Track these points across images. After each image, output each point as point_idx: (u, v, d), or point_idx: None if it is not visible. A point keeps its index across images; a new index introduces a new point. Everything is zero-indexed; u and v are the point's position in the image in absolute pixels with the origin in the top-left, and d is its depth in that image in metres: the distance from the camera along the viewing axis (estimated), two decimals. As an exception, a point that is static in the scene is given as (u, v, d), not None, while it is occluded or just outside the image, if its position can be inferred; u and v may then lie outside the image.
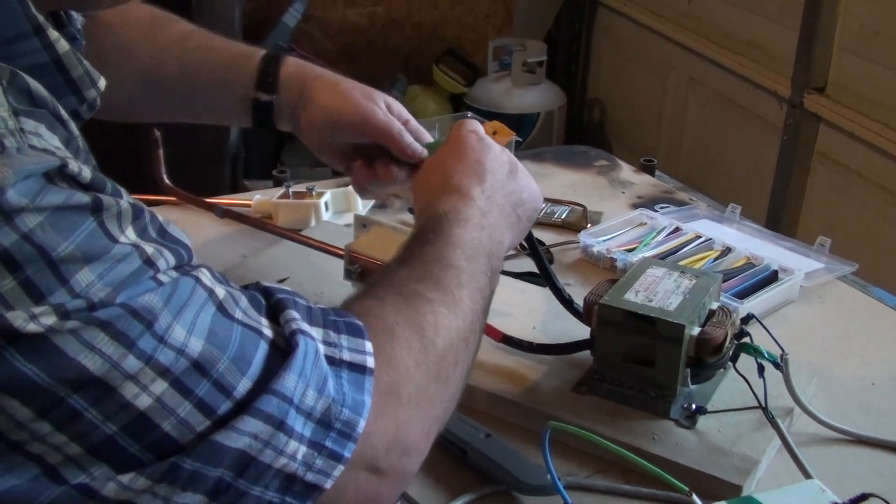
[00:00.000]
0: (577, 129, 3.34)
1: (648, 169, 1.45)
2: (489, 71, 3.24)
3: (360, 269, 0.95)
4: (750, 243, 1.19)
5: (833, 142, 2.29)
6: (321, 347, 0.60)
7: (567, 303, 0.94)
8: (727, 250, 1.16)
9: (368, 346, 0.62)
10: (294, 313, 0.60)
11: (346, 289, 1.00)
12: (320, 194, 1.23)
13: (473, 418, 0.85)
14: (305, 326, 0.60)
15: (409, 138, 0.97)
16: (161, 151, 1.23)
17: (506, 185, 0.86)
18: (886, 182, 2.14)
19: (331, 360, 0.60)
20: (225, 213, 1.22)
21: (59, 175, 0.51)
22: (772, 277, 1.11)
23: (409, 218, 1.25)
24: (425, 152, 0.97)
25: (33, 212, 0.49)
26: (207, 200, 1.25)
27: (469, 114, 1.45)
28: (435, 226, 0.78)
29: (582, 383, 0.90)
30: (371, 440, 0.60)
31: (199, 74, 1.02)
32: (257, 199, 1.26)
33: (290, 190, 1.24)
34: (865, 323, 1.08)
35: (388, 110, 0.99)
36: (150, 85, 1.03)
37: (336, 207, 1.25)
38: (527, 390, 0.90)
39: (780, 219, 2.41)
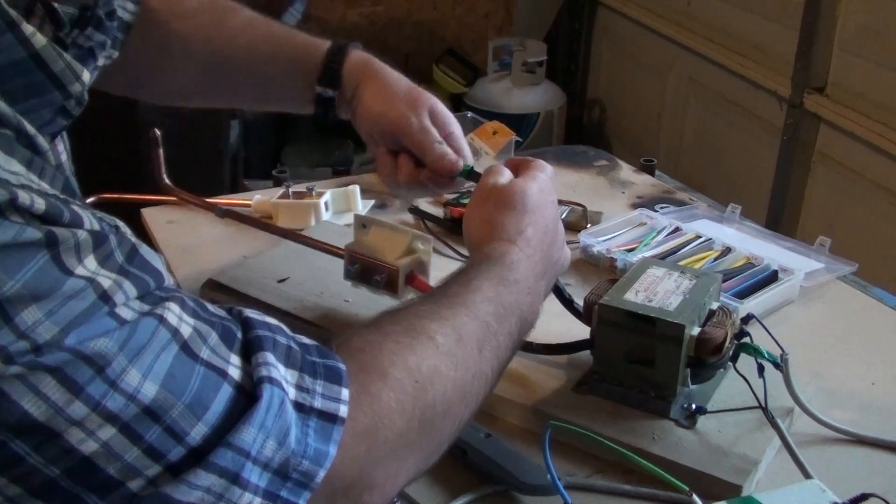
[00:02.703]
0: (577, 129, 3.34)
1: (648, 169, 1.45)
2: (489, 71, 3.24)
3: (360, 269, 0.95)
4: (750, 243, 1.19)
5: (833, 142, 2.29)
6: (291, 393, 0.58)
7: (567, 303, 0.94)
8: (727, 250, 1.16)
9: (345, 393, 0.60)
10: (269, 356, 0.58)
11: (346, 288, 1.00)
12: (320, 194, 1.23)
13: (473, 418, 0.85)
14: (276, 373, 0.57)
15: (442, 150, 0.95)
16: (161, 151, 1.23)
17: (560, 247, 0.87)
18: (886, 182, 2.14)
19: (300, 407, 0.58)
20: (225, 213, 1.22)
21: (10, 208, 0.49)
22: (772, 277, 1.11)
23: (409, 218, 1.25)
24: (460, 163, 0.96)
25: None
26: (207, 200, 1.25)
27: (469, 114, 1.45)
28: (483, 272, 0.77)
29: (582, 383, 0.90)
30: (333, 480, 0.59)
31: (264, 65, 1.02)
32: (257, 199, 1.26)
33: (290, 190, 1.24)
34: (865, 323, 1.08)
35: (434, 118, 0.97)
36: (214, 73, 1.03)
37: (336, 207, 1.25)
38: (527, 390, 0.90)
39: (780, 219, 2.41)
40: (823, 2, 2.24)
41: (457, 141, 0.99)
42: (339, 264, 0.98)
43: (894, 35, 2.10)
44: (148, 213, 1.26)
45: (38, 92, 0.57)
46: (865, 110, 2.17)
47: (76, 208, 0.53)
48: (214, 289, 1.04)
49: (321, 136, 3.00)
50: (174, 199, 1.26)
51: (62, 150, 0.66)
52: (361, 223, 0.98)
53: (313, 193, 1.24)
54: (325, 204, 1.23)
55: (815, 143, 2.35)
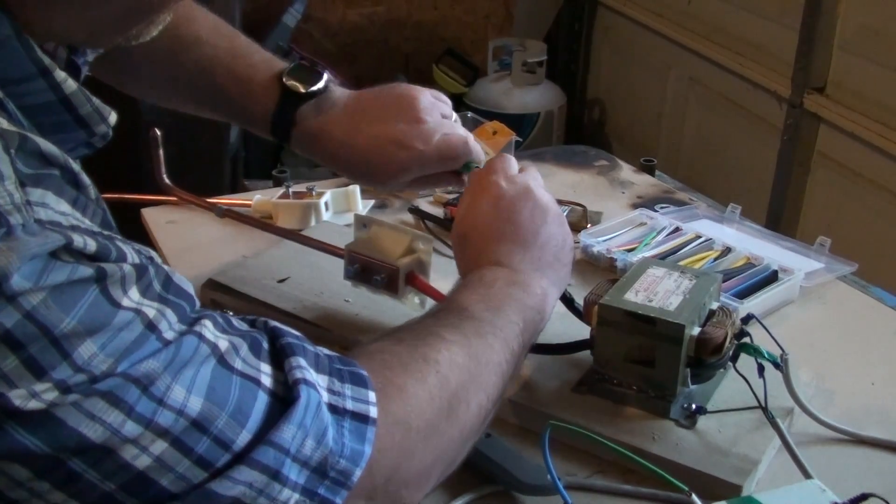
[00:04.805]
0: (577, 129, 3.34)
1: (648, 169, 1.45)
2: (489, 71, 3.24)
3: (360, 269, 0.95)
4: (750, 243, 1.19)
5: (833, 142, 2.29)
6: (325, 396, 0.60)
7: (567, 303, 0.94)
8: (727, 250, 1.16)
9: (372, 395, 0.63)
10: (301, 360, 0.60)
11: (346, 288, 1.00)
12: (320, 194, 1.23)
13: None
14: (310, 375, 0.60)
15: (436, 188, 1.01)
16: (161, 151, 1.23)
17: (538, 229, 0.86)
18: (886, 182, 2.14)
19: (334, 409, 0.60)
20: (225, 213, 1.22)
21: (64, 250, 0.51)
22: (772, 277, 1.11)
23: (409, 218, 1.25)
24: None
25: (37, 291, 0.49)
26: (207, 200, 1.25)
27: (469, 114, 1.45)
28: (460, 289, 0.81)
29: (582, 383, 0.90)
30: (373, 470, 0.61)
31: (221, 115, 1.03)
32: (257, 199, 1.26)
33: (290, 190, 1.24)
34: (865, 323, 1.08)
35: (411, 169, 0.96)
36: (175, 99, 1.04)
37: (336, 207, 1.25)
38: (527, 390, 0.90)
39: (780, 219, 2.41)
40: (823, 2, 2.24)
41: (447, 163, 0.98)
42: (339, 264, 0.98)
43: (894, 35, 2.10)
44: (148, 213, 1.26)
45: (65, 129, 0.59)
46: (865, 110, 2.17)
47: (119, 244, 0.55)
48: (214, 289, 1.04)
49: (321, 136, 3.00)
50: (174, 199, 1.26)
51: None
52: (361, 223, 0.98)
53: (313, 193, 1.24)
54: (325, 204, 1.23)
55: (815, 143, 2.35)
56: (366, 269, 0.94)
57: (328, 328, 0.98)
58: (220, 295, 1.04)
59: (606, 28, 3.28)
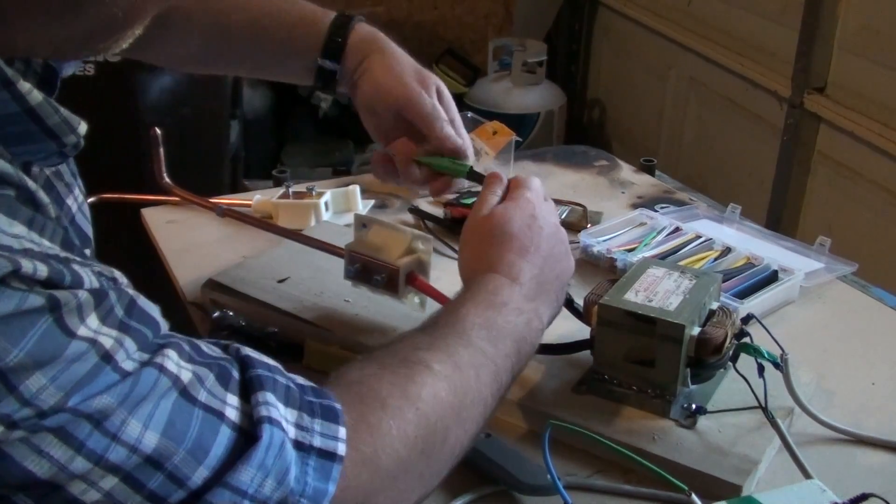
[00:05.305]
0: (577, 129, 3.34)
1: (648, 169, 1.45)
2: (489, 71, 3.24)
3: (360, 269, 0.95)
4: (750, 243, 1.19)
5: (833, 142, 2.29)
6: (292, 431, 0.59)
7: (567, 303, 0.94)
8: (727, 250, 1.16)
9: (342, 432, 0.61)
10: (269, 395, 0.59)
11: (346, 288, 1.00)
12: (320, 194, 1.23)
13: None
14: (277, 412, 0.58)
15: (449, 131, 0.96)
16: (161, 150, 1.23)
17: (555, 265, 0.86)
18: (886, 182, 2.14)
19: (300, 446, 0.59)
20: (225, 213, 1.22)
21: (13, 276, 0.49)
22: (772, 277, 1.11)
23: (409, 218, 1.26)
24: (464, 147, 0.97)
25: None
26: (208, 200, 1.25)
27: (469, 114, 1.45)
28: (468, 301, 0.78)
29: (582, 383, 0.90)
30: None
31: (264, 38, 1.01)
32: (257, 199, 1.26)
33: (290, 190, 1.24)
34: (865, 323, 1.08)
35: (440, 99, 0.99)
36: (214, 43, 1.02)
37: (336, 207, 1.25)
38: (527, 390, 0.90)
39: (780, 219, 2.42)
40: (823, 2, 2.24)
41: (459, 128, 0.99)
42: (339, 264, 0.98)
43: (894, 35, 2.10)
44: (148, 213, 1.26)
45: (33, 140, 0.58)
46: (865, 110, 2.17)
47: (76, 267, 0.53)
48: (214, 289, 1.04)
49: (321, 136, 3.00)
50: (174, 199, 1.26)
51: None
52: (361, 223, 0.98)
53: (313, 193, 1.24)
54: (325, 204, 1.23)
55: (815, 143, 2.35)
56: (366, 269, 0.94)
57: (328, 328, 0.98)
58: (219, 295, 1.04)
59: (606, 28, 3.28)
